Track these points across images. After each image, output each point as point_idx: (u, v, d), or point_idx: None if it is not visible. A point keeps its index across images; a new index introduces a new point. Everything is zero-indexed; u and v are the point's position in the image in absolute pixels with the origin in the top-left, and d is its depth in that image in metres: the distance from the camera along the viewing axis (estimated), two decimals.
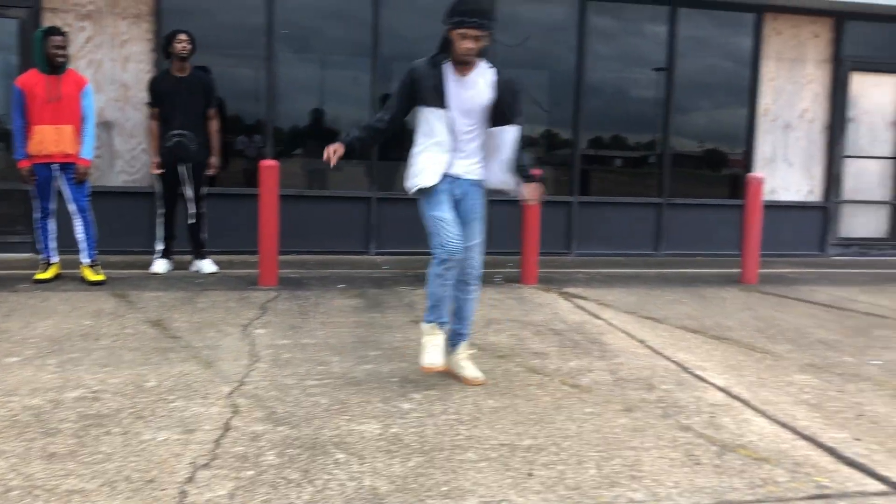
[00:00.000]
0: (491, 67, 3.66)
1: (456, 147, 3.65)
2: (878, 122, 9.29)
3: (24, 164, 5.66)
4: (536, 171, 3.92)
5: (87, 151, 5.89)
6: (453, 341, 3.86)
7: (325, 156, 3.62)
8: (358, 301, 5.64)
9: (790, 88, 8.98)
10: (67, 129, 5.74)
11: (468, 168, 3.71)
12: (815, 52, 9.00)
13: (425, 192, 3.69)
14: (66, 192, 5.85)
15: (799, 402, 3.64)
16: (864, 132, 9.28)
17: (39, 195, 5.79)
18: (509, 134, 3.67)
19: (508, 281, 6.64)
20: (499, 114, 3.63)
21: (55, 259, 5.84)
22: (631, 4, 8.46)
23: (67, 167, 5.79)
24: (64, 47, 5.68)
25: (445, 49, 3.58)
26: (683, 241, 8.83)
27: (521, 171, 3.78)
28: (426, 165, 3.66)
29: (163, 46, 6.44)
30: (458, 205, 3.71)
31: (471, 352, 3.96)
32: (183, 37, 6.33)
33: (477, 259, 3.77)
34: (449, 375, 3.84)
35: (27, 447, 2.82)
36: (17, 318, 4.77)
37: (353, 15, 7.86)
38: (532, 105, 8.18)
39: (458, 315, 3.84)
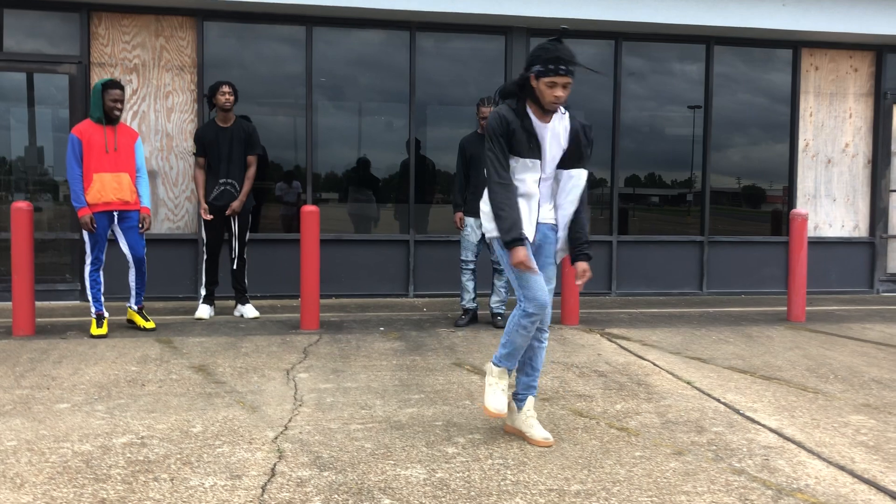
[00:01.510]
0: (564, 112, 3.55)
1: (541, 196, 3.55)
2: None
3: (86, 212, 5.73)
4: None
5: (147, 200, 6.02)
6: (521, 396, 3.65)
7: (517, 264, 3.38)
8: (399, 344, 5.63)
9: (831, 123, 8.89)
10: (125, 178, 5.86)
11: (546, 213, 3.59)
12: (854, 86, 8.91)
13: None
14: (123, 242, 5.90)
15: (856, 443, 3.52)
16: None
17: (96, 245, 5.83)
18: (577, 178, 3.52)
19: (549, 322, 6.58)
20: (568, 159, 3.52)
21: (106, 312, 5.91)
22: (665, 43, 8.49)
23: (123, 216, 5.91)
24: (122, 100, 5.83)
25: (521, 94, 3.47)
26: (727, 279, 8.70)
27: (580, 245, 3.58)
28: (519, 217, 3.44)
29: (207, 97, 6.60)
30: (535, 250, 3.60)
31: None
32: (226, 88, 6.49)
33: (549, 307, 3.57)
34: (509, 433, 3.80)
35: (78, 493, 2.84)
36: (67, 364, 4.84)
37: (388, 62, 8.00)
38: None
39: (531, 365, 3.64)
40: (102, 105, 5.76)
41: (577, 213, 3.56)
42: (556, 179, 3.55)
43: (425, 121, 8.10)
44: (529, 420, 3.58)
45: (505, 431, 3.67)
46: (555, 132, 3.46)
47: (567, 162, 3.49)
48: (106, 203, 5.79)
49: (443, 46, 8.09)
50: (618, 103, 8.38)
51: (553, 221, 3.59)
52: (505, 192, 3.38)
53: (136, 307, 6.02)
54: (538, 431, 3.52)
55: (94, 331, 5.71)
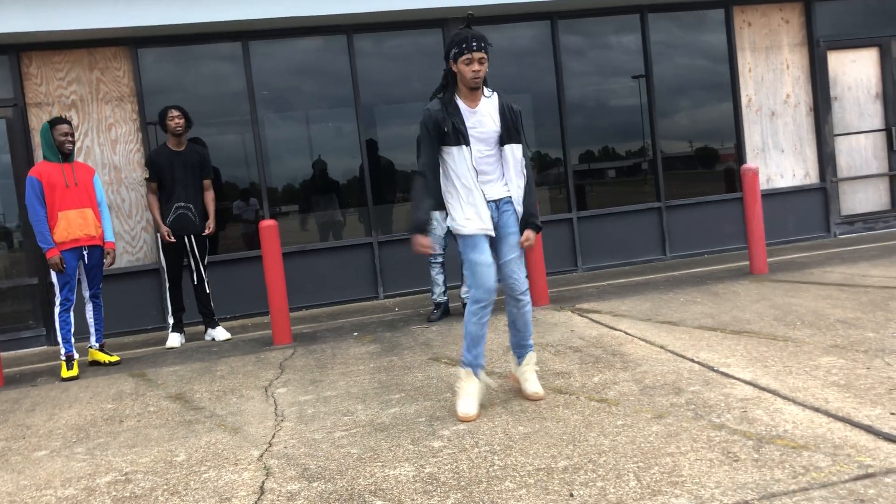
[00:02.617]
0: (492, 93, 3.83)
1: (478, 179, 3.77)
2: (863, 96, 9.34)
3: (54, 253, 5.64)
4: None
5: (111, 235, 6.01)
6: (519, 353, 4.00)
7: (417, 250, 3.73)
8: (374, 346, 5.64)
9: (770, 76, 9.05)
10: (89, 213, 5.83)
11: (499, 189, 3.83)
12: (788, 37, 9.08)
13: (463, 235, 3.79)
14: (85, 279, 5.89)
15: (828, 384, 3.61)
16: (851, 108, 9.32)
17: (66, 285, 5.74)
18: (510, 152, 3.79)
19: None
20: (504, 135, 3.79)
21: (76, 354, 5.83)
22: (600, 17, 8.57)
23: (91, 252, 5.86)
24: (72, 134, 5.81)
25: (449, 85, 3.77)
26: (688, 241, 8.83)
27: (526, 215, 3.85)
28: (472, 214, 3.74)
29: (158, 122, 6.55)
30: (497, 224, 3.84)
31: (536, 367, 4.03)
32: (175, 113, 6.43)
33: (520, 272, 3.84)
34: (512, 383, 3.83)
35: None
36: (41, 411, 4.77)
37: (329, 68, 7.97)
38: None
39: (515, 327, 3.93)
40: (54, 142, 5.71)
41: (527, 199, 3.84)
42: (502, 157, 3.82)
43: (374, 122, 8.09)
44: (526, 374, 3.95)
45: (511, 380, 4.15)
46: (484, 114, 3.75)
47: (504, 138, 3.78)
48: (74, 240, 5.74)
49: (382, 46, 8.08)
50: (560, 82, 8.45)
51: (507, 195, 3.84)
52: (422, 181, 3.77)
53: (97, 345, 5.97)
54: (531, 386, 3.90)
55: (65, 373, 5.62)
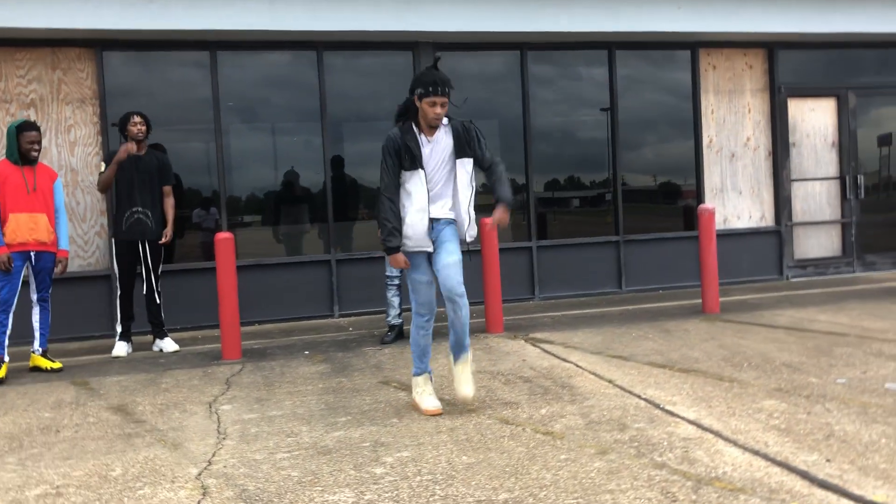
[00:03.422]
0: (447, 123, 4.19)
1: (431, 200, 4.13)
2: (820, 144, 9.59)
3: (4, 251, 5.54)
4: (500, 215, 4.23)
5: (65, 242, 5.93)
6: (455, 353, 4.24)
7: (398, 265, 4.12)
8: (324, 367, 5.59)
9: (731, 119, 9.25)
10: (42, 218, 5.74)
11: (443, 210, 4.19)
12: (751, 82, 9.30)
13: (407, 253, 4.16)
14: (32, 281, 5.81)
15: (769, 427, 3.66)
16: (808, 155, 9.55)
17: (9, 287, 5.62)
18: (461, 166, 4.15)
19: (474, 331, 6.63)
20: (458, 153, 4.15)
21: (7, 357, 5.69)
22: (569, 51, 8.69)
23: (39, 256, 5.78)
24: (38, 142, 5.75)
25: (408, 114, 4.14)
26: (644, 276, 8.94)
27: (499, 196, 4.18)
28: (416, 232, 4.09)
29: (119, 128, 6.45)
30: (436, 238, 4.18)
31: (472, 367, 4.32)
32: (137, 119, 6.35)
33: (456, 276, 4.10)
34: (421, 434, 3.81)
35: None
36: None
37: (298, 82, 7.95)
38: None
39: (454, 329, 4.19)
40: (18, 148, 5.62)
41: (493, 181, 4.23)
42: (455, 174, 4.16)
43: (341, 138, 8.08)
44: (461, 374, 4.20)
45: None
46: (438, 141, 4.13)
47: (456, 153, 4.15)
48: (21, 244, 5.65)
49: (352, 63, 8.08)
50: (527, 110, 8.53)
51: (448, 216, 4.20)
52: (390, 204, 4.07)
53: (40, 350, 5.83)
54: (463, 388, 4.17)
55: None
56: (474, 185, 4.24)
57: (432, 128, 4.10)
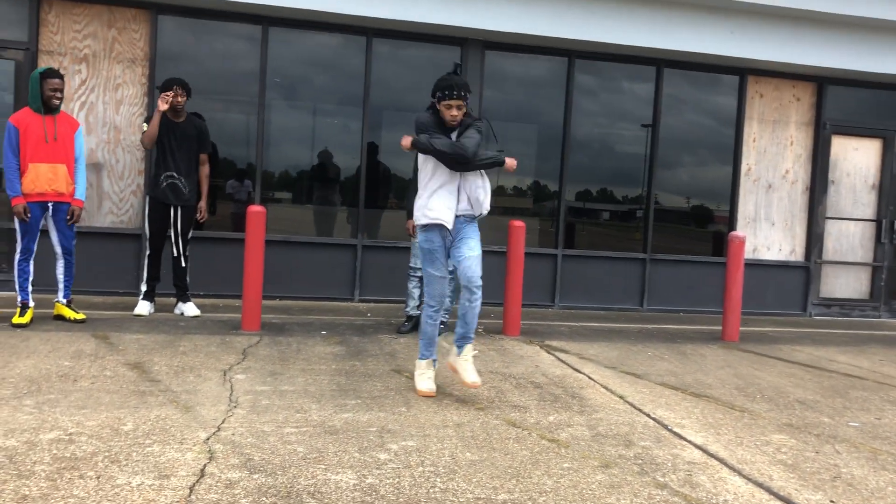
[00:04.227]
0: (462, 121, 4.46)
1: (451, 185, 4.41)
2: (860, 184, 9.48)
3: (20, 201, 5.64)
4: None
5: (81, 193, 5.94)
6: (459, 344, 4.48)
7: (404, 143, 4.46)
8: (339, 348, 5.64)
9: (773, 149, 9.17)
10: (62, 169, 5.79)
11: (462, 204, 4.45)
12: (797, 114, 9.21)
13: (427, 248, 4.45)
14: (54, 233, 5.86)
15: (775, 461, 3.65)
16: (846, 194, 9.45)
17: (28, 236, 5.75)
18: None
19: (490, 332, 6.65)
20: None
21: (32, 302, 5.81)
22: (617, 63, 8.67)
23: (57, 207, 5.82)
24: (61, 90, 5.74)
25: (433, 110, 4.45)
26: (666, 296, 8.90)
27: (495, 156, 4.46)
28: (437, 205, 4.40)
29: (160, 91, 6.52)
30: (455, 235, 4.46)
31: (475, 353, 4.74)
32: (179, 91, 6.39)
33: (476, 269, 4.38)
34: (427, 426, 3.85)
35: None
36: None
37: (344, 66, 8.01)
38: (515, 154, 8.32)
39: (464, 320, 4.44)
40: (41, 94, 5.66)
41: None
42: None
43: (380, 125, 8.13)
44: (465, 364, 4.43)
45: (447, 368, 4.69)
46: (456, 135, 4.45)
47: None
48: (40, 194, 5.72)
49: (399, 53, 8.13)
50: (569, 118, 8.52)
51: (470, 213, 4.45)
52: (451, 143, 4.32)
53: (64, 301, 5.93)
54: (469, 375, 4.40)
55: (16, 320, 5.65)
56: (487, 179, 4.54)
57: (451, 129, 4.43)
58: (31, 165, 5.68)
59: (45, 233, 5.96)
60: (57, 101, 5.73)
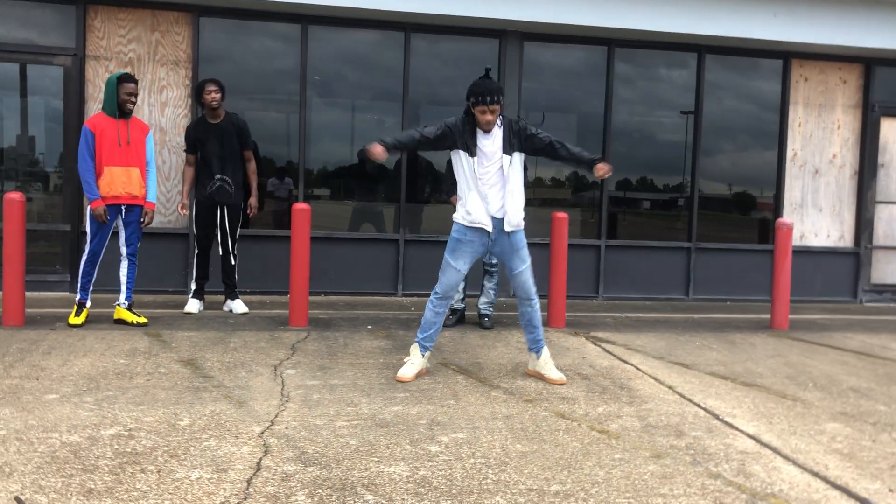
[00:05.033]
0: (501, 122, 4.57)
1: (479, 185, 4.51)
2: None
3: (99, 203, 5.74)
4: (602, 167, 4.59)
5: (153, 195, 6.05)
6: (535, 349, 4.75)
7: (369, 153, 4.40)
8: (386, 342, 5.69)
9: (819, 134, 8.99)
10: (135, 172, 5.90)
11: (502, 209, 4.55)
12: (843, 97, 9.02)
13: (457, 238, 4.58)
14: (123, 235, 5.95)
15: (831, 451, 3.60)
16: None
17: (99, 238, 5.83)
18: (507, 162, 4.52)
19: None
20: (509, 148, 4.53)
21: (89, 302, 5.95)
22: (658, 51, 8.57)
23: (130, 209, 5.94)
24: (136, 94, 5.87)
25: (468, 113, 4.54)
26: (713, 285, 8.80)
27: (585, 159, 4.59)
28: (476, 209, 4.52)
29: (194, 96, 6.64)
30: (494, 243, 4.61)
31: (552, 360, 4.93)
32: (212, 87, 6.51)
33: (529, 281, 4.66)
34: (477, 418, 3.87)
35: (66, 483, 2.88)
36: (56, 355, 4.88)
37: (382, 62, 8.05)
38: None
39: (531, 325, 4.71)
40: (116, 98, 5.80)
41: (563, 154, 4.60)
42: (502, 168, 4.52)
43: (418, 120, 8.16)
44: (547, 365, 4.70)
45: (527, 374, 4.85)
46: (494, 136, 4.53)
47: (505, 150, 4.52)
48: (115, 197, 5.84)
49: (438, 48, 8.14)
50: (609, 107, 8.46)
51: (500, 216, 4.54)
52: (414, 135, 4.49)
53: (125, 304, 5.98)
54: (553, 373, 4.66)
55: (72, 320, 5.79)
56: (523, 176, 4.74)
57: (486, 131, 4.51)
58: (105, 169, 5.79)
59: (114, 234, 6.05)
60: (131, 105, 5.86)
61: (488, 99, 4.36)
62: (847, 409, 4.33)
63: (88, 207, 5.79)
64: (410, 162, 8.13)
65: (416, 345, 4.69)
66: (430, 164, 8.22)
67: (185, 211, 6.62)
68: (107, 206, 5.81)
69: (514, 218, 4.55)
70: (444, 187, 8.19)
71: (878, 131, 9.09)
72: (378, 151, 4.35)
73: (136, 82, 5.87)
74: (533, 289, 4.68)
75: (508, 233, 4.57)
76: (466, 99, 4.48)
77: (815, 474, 3.28)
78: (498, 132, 4.55)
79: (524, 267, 4.62)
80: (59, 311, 6.48)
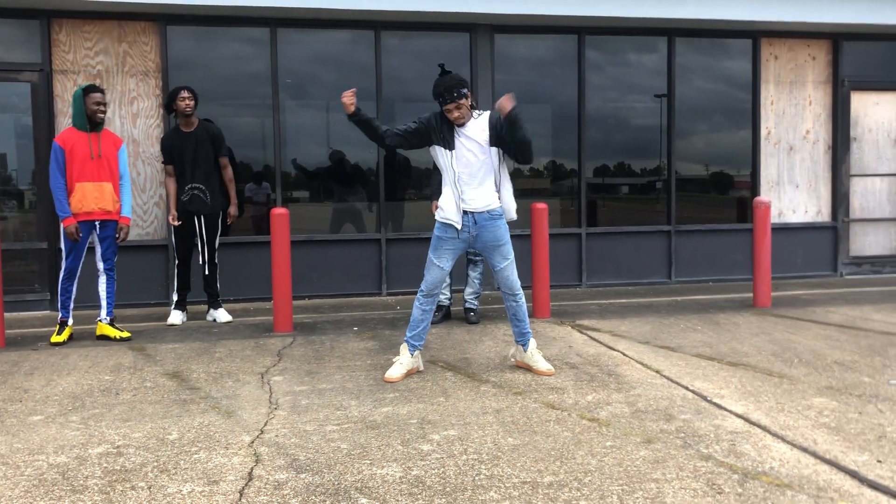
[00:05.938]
0: (480, 114, 4.56)
1: (457, 180, 4.52)
2: (883, 139, 9.34)
3: (71, 222, 5.67)
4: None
5: (128, 210, 5.98)
6: (521, 341, 4.75)
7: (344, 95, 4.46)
8: (372, 343, 5.68)
9: (791, 111, 9.06)
10: (108, 187, 5.82)
11: (479, 199, 4.54)
12: (813, 73, 9.09)
13: (438, 236, 4.60)
14: (98, 250, 5.89)
15: (818, 425, 3.63)
16: (869, 150, 9.32)
17: (74, 255, 5.78)
18: (496, 154, 4.56)
19: None
20: (498, 142, 4.50)
21: (71, 320, 5.89)
22: (628, 37, 8.60)
23: (104, 225, 5.87)
24: (104, 103, 5.79)
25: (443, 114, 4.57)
26: (694, 267, 8.85)
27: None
28: (448, 205, 4.55)
29: (165, 105, 6.59)
30: (475, 239, 4.60)
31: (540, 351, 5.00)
32: (185, 94, 6.46)
33: (512, 277, 4.66)
34: (467, 414, 3.87)
35: None
36: (39, 376, 4.82)
37: (354, 61, 8.01)
38: (535, 136, 8.29)
39: (516, 318, 4.72)
40: (85, 110, 5.72)
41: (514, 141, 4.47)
42: (491, 160, 4.53)
43: (393, 117, 8.13)
44: (534, 357, 4.71)
45: (516, 366, 4.86)
46: (472, 128, 4.50)
47: (493, 141, 4.51)
48: (87, 213, 5.76)
49: (409, 44, 8.12)
50: (582, 96, 8.47)
51: (486, 208, 4.55)
52: (385, 128, 4.53)
53: (107, 319, 5.93)
54: (541, 364, 4.67)
55: (55, 338, 5.73)
56: (505, 169, 4.65)
57: (460, 125, 4.52)
58: (77, 185, 5.72)
59: (91, 250, 5.99)
60: (101, 115, 5.77)
61: (448, 97, 4.38)
62: (833, 383, 4.37)
63: (62, 225, 5.73)
64: (388, 160, 8.11)
65: (405, 344, 4.68)
66: (407, 161, 8.20)
67: (176, 222, 6.55)
68: (80, 222, 5.74)
69: (489, 207, 4.55)
70: (424, 183, 8.18)
71: (849, 105, 9.18)
72: (348, 101, 4.42)
73: (102, 92, 5.80)
74: (517, 284, 4.68)
75: (488, 228, 4.55)
76: (434, 98, 4.53)
77: (805, 450, 3.30)
78: (476, 125, 4.53)
79: (506, 263, 4.63)
80: (39, 330, 6.41)
